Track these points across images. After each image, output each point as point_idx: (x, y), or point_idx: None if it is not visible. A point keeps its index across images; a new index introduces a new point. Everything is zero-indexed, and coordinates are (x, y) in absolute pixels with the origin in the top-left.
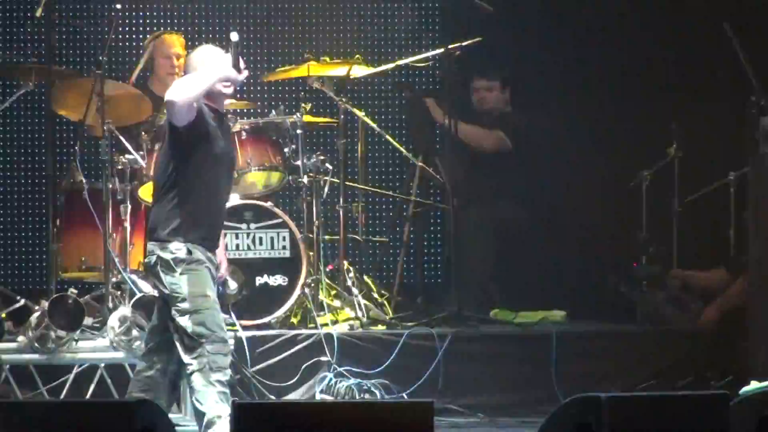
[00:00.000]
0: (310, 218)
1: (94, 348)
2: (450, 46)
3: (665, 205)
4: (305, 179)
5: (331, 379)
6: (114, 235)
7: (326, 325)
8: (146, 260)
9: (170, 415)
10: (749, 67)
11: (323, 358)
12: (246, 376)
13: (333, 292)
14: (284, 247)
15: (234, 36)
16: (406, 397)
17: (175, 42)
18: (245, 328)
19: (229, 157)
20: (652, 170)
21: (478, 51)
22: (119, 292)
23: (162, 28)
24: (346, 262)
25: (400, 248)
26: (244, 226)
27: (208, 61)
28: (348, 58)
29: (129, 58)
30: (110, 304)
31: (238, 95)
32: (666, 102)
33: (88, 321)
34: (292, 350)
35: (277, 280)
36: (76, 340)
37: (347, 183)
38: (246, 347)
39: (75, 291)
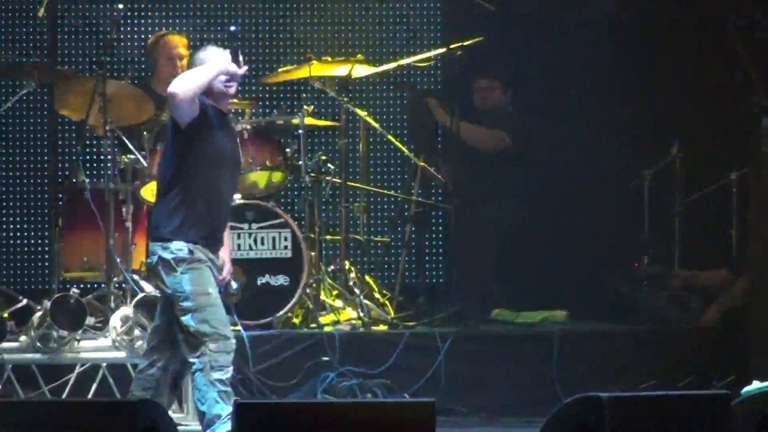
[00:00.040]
0: (311, 218)
1: (96, 348)
2: (451, 46)
3: (667, 205)
4: (307, 179)
5: (332, 379)
6: (116, 234)
7: (328, 325)
8: (148, 260)
9: (172, 415)
10: (750, 67)
11: (325, 358)
12: (248, 376)
13: (335, 292)
14: (286, 247)
15: (233, 29)
16: (407, 396)
17: (178, 43)
18: (247, 328)
19: (232, 157)
20: (654, 170)
21: (480, 51)
22: (121, 292)
23: (164, 28)
24: (347, 262)
25: (401, 248)
26: (245, 226)
27: (212, 59)
28: (349, 58)
29: (131, 58)
30: (112, 304)
31: (240, 96)
32: (668, 102)
33: (90, 321)
34: (294, 350)
35: (279, 280)
36: (78, 340)
37: (349, 183)
38: (248, 347)
39: (77, 291)
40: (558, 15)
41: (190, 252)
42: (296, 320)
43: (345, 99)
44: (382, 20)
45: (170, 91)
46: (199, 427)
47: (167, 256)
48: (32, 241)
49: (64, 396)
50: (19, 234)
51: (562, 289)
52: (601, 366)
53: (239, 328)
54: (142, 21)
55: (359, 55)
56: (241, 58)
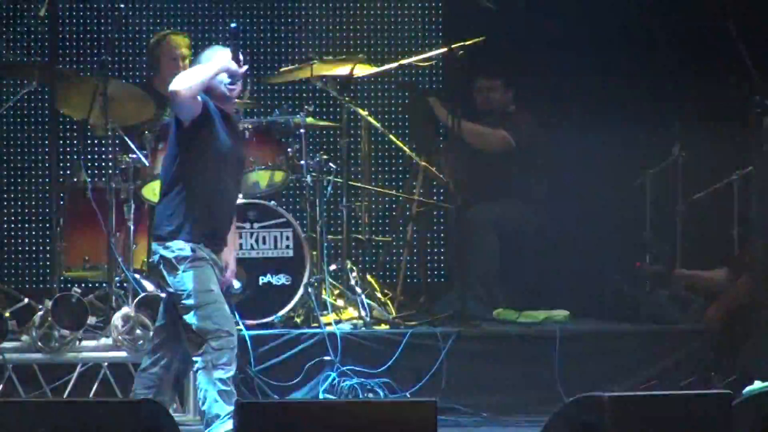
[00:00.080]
0: (313, 217)
1: (98, 347)
2: (453, 46)
3: (669, 204)
4: (309, 178)
5: (334, 379)
6: (117, 234)
7: (329, 324)
8: (150, 260)
9: (174, 414)
10: (753, 66)
11: (326, 358)
12: (249, 376)
13: (336, 292)
14: (288, 247)
15: (233, 26)
16: (409, 396)
17: (180, 43)
18: (249, 327)
19: (236, 157)
20: (656, 170)
21: (482, 50)
22: (123, 292)
23: (166, 28)
24: (349, 262)
25: (403, 247)
26: (247, 225)
27: (214, 58)
28: (351, 58)
29: (133, 58)
30: (114, 304)
31: (241, 96)
32: (670, 101)
33: (91, 320)
34: (296, 349)
35: (281, 279)
36: (80, 340)
37: (350, 182)
38: (249, 346)
39: (78, 290)
40: (561, 14)
41: (193, 251)
42: (298, 320)
43: (347, 99)
44: (383, 20)
45: (171, 89)
46: (201, 427)
47: (169, 255)
48: (33, 241)
49: (65, 396)
50: (20, 233)
51: (563, 289)
52: (603, 366)
53: (241, 327)
54: (144, 20)
55: (361, 55)
56: (241, 56)
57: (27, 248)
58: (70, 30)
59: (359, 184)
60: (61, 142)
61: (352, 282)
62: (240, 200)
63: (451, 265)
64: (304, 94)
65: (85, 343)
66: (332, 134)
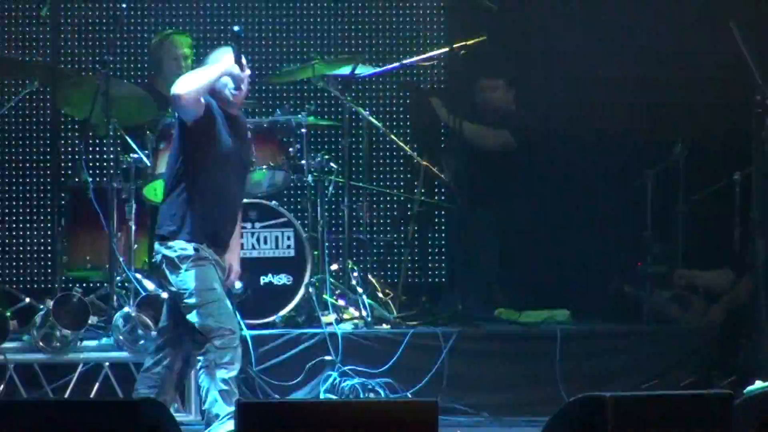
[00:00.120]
0: (314, 217)
1: (99, 347)
2: (455, 46)
3: (670, 204)
4: (310, 178)
5: (335, 378)
6: (119, 234)
7: (331, 324)
8: (153, 259)
9: (175, 414)
10: (755, 66)
11: (327, 357)
12: (250, 375)
13: (337, 291)
14: (289, 247)
15: (236, 29)
16: (410, 396)
17: (182, 42)
18: (250, 327)
19: (240, 158)
20: (657, 169)
21: (483, 50)
22: (124, 291)
23: (167, 27)
24: (350, 261)
25: (404, 247)
26: (248, 225)
27: (218, 60)
28: (353, 58)
29: (134, 57)
30: (115, 303)
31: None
32: (671, 101)
33: (92, 320)
34: (297, 349)
35: (282, 279)
36: (81, 339)
37: (352, 182)
38: (250, 346)
39: (80, 290)
40: (562, 14)
41: (195, 250)
42: (299, 319)
43: (348, 98)
44: (385, 20)
45: (173, 92)
46: (203, 426)
47: (171, 254)
48: (35, 241)
49: (66, 395)
50: (21, 233)
51: (564, 289)
52: (604, 365)
53: (242, 327)
54: (146, 20)
55: (362, 55)
56: (244, 60)
57: (28, 248)
58: (72, 30)
59: (360, 184)
60: (63, 141)
61: (353, 282)
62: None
63: (452, 264)
64: (306, 94)
65: (86, 343)
66: (334, 134)
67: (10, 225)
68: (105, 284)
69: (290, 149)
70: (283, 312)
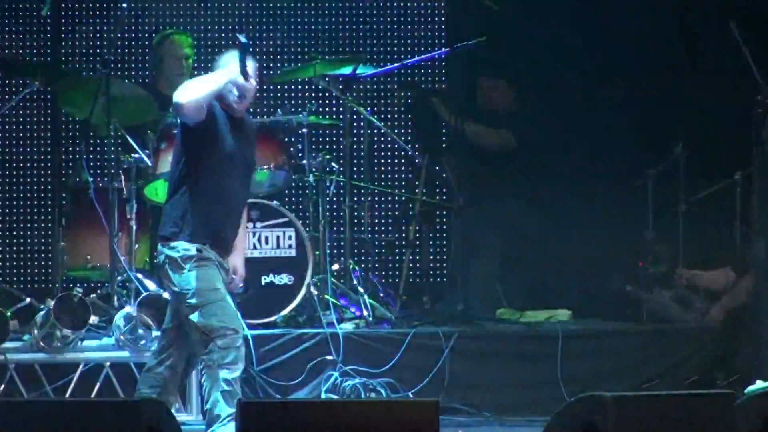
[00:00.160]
0: (315, 217)
1: (100, 347)
2: (456, 46)
3: (671, 204)
4: (311, 178)
5: (336, 378)
6: (120, 234)
7: (332, 323)
8: (156, 260)
9: (177, 414)
10: (755, 66)
11: (329, 357)
12: (251, 375)
13: (339, 291)
14: (290, 246)
15: (243, 40)
16: (411, 396)
17: (183, 42)
18: (251, 326)
19: (243, 160)
20: (658, 169)
21: (484, 50)
22: (125, 291)
23: (168, 27)
24: (351, 261)
25: (405, 247)
26: (250, 224)
27: (225, 66)
28: (354, 57)
29: (135, 57)
30: (116, 303)
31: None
32: (672, 101)
33: (93, 320)
34: (298, 349)
35: (283, 279)
36: (82, 339)
37: (353, 182)
38: (252, 346)
39: (80, 290)
40: (563, 14)
41: (198, 251)
42: (300, 319)
43: (349, 98)
44: (386, 20)
45: (175, 100)
46: (204, 426)
47: (174, 254)
48: (36, 240)
49: (67, 395)
50: (22, 233)
51: (566, 289)
52: (605, 365)
53: (244, 327)
54: (147, 20)
55: (363, 55)
56: (251, 70)
57: (29, 248)
58: (73, 30)
59: (362, 184)
60: (64, 141)
61: (355, 281)
62: None
63: (453, 264)
64: (307, 94)
65: (87, 342)
66: (335, 134)
67: (10, 225)
68: (106, 284)
69: (291, 149)
70: (285, 312)
